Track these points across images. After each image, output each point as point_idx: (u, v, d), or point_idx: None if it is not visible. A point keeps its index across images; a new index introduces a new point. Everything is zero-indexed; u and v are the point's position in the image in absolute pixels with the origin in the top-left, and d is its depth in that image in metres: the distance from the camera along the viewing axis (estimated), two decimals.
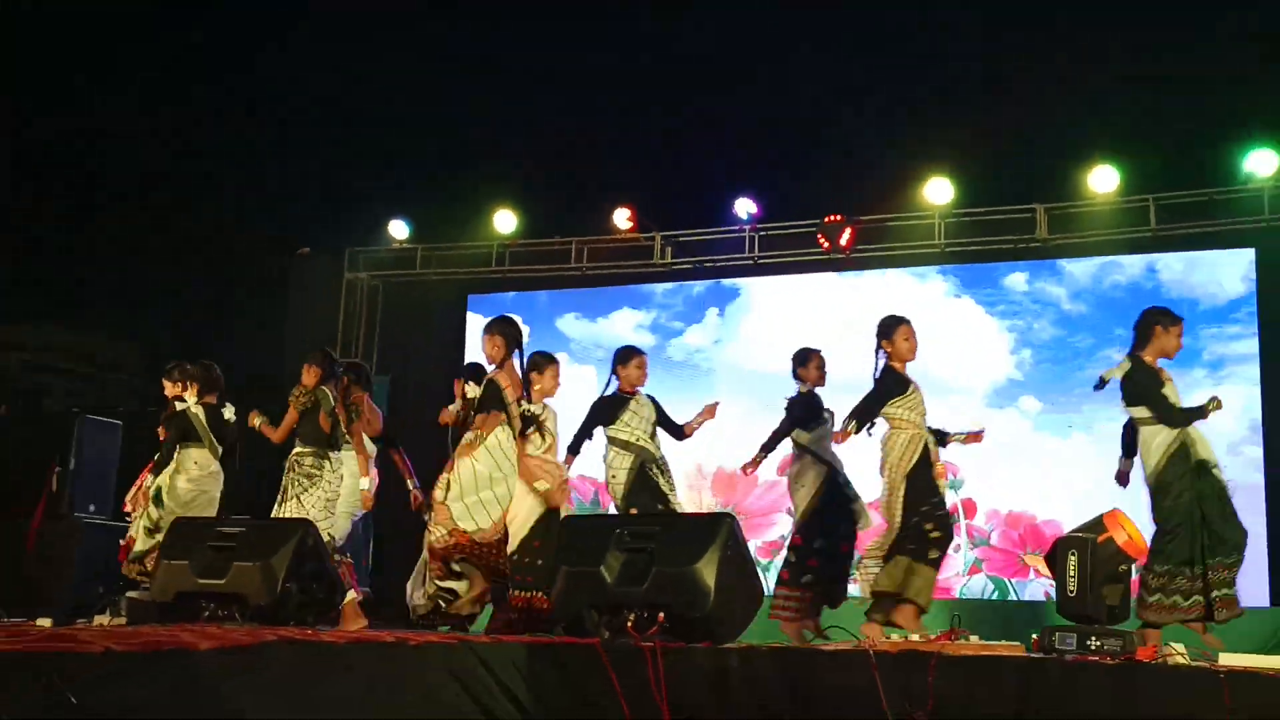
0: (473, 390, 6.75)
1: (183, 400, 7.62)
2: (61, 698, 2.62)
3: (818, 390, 7.24)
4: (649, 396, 7.38)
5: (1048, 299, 9.88)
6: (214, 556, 5.80)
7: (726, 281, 10.93)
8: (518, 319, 7.30)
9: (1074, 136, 9.99)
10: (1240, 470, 8.98)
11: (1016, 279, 10.02)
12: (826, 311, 10.31)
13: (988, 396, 9.64)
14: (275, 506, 7.11)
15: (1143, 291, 9.52)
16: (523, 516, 6.61)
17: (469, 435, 6.54)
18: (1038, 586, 9.24)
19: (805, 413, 7.14)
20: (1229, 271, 9.35)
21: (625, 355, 7.44)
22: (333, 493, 7.13)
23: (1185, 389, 9.18)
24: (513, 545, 6.55)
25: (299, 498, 6.97)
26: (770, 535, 10.03)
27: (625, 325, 11.03)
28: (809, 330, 10.23)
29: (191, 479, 7.45)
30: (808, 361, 7.27)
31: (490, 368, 6.74)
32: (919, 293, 10.19)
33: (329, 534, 6.88)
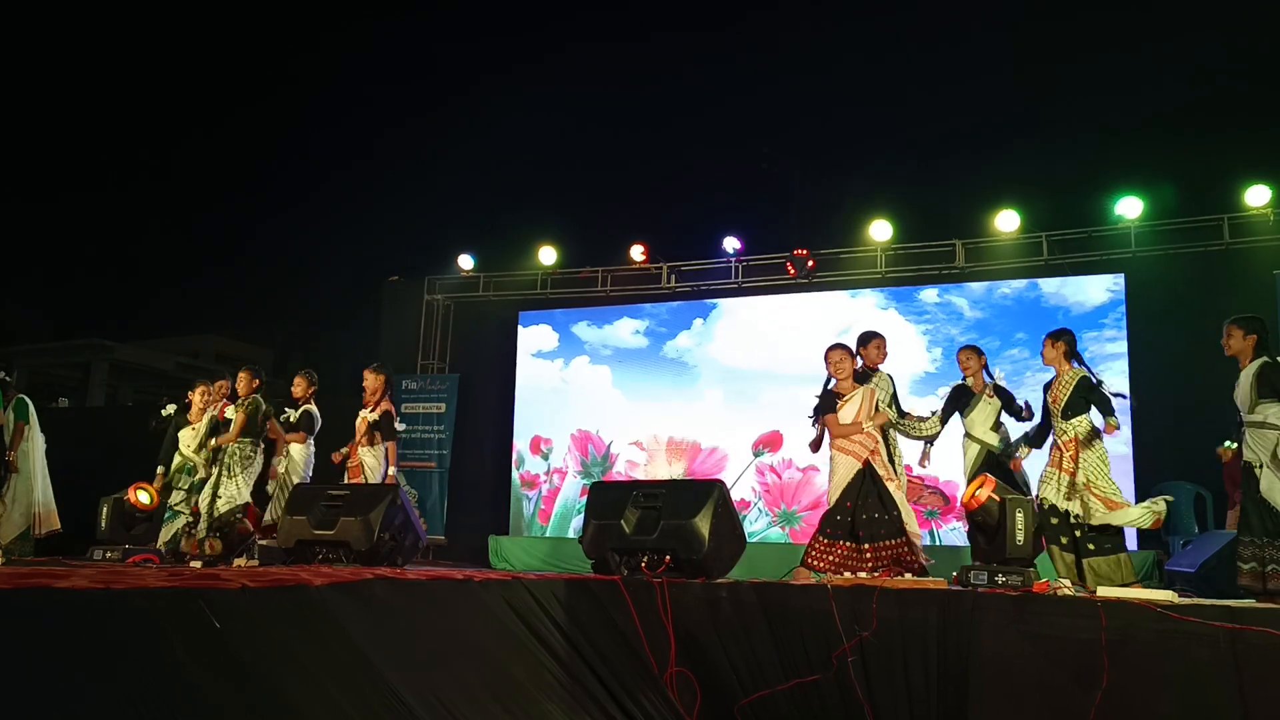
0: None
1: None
2: (207, 621, 2.64)
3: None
4: (889, 376, 6.26)
5: (953, 309, 9.83)
6: (326, 512, 5.80)
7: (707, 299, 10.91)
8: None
9: (986, 187, 10.03)
10: (1111, 444, 8.92)
11: (930, 294, 9.93)
12: (782, 320, 10.25)
13: (910, 385, 9.51)
14: (218, 484, 6.71)
15: (1026, 301, 9.50)
16: (841, 474, 5.64)
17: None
18: (949, 533, 9.15)
19: (962, 399, 6.30)
20: (1095, 286, 9.32)
21: (866, 337, 6.24)
22: (258, 469, 6.89)
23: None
24: (832, 499, 5.64)
25: (238, 476, 6.65)
26: None
27: (626, 330, 10.98)
28: (770, 335, 10.25)
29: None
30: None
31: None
32: (854, 306, 10.11)
33: (247, 499, 6.71)
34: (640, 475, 10.28)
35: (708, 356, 10.54)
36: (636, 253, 10.86)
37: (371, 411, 7.18)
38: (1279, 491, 4.65)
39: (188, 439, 7.20)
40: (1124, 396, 5.99)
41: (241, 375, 7.00)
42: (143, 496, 6.45)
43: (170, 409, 7.38)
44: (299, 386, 7.46)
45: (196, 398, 7.34)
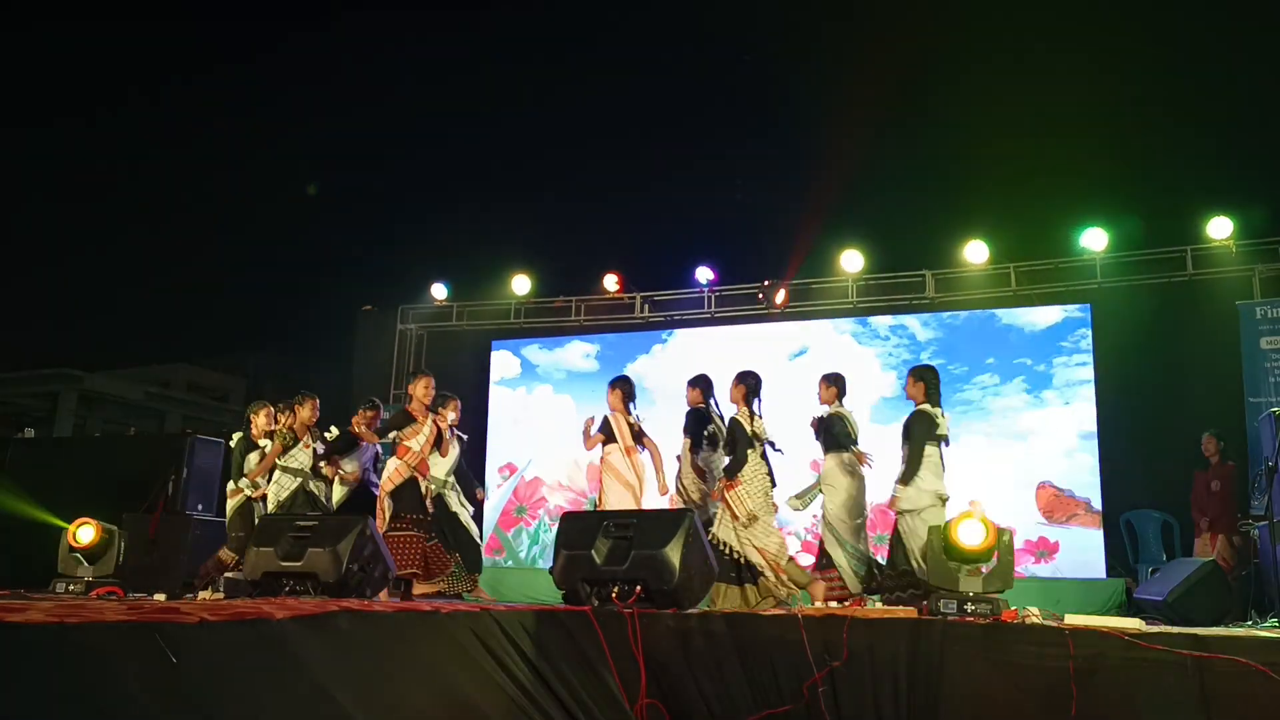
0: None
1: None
2: (164, 656, 2.58)
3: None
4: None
5: (906, 331, 9.87)
6: (293, 543, 5.69)
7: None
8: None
9: (955, 219, 10.14)
10: (1077, 473, 8.98)
11: (884, 319, 9.97)
12: (739, 345, 10.16)
13: (870, 413, 9.46)
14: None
15: (977, 319, 9.59)
16: None
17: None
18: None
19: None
20: (1049, 308, 9.40)
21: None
22: None
23: (1040, 405, 9.27)
24: None
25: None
26: None
27: (576, 354, 10.95)
28: (726, 360, 10.21)
29: None
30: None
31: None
32: (806, 332, 10.12)
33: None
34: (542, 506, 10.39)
35: (663, 382, 10.50)
36: (610, 282, 10.87)
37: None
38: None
39: (256, 460, 7.24)
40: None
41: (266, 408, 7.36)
42: (84, 534, 6.27)
43: (237, 437, 7.44)
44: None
45: (261, 419, 7.36)
